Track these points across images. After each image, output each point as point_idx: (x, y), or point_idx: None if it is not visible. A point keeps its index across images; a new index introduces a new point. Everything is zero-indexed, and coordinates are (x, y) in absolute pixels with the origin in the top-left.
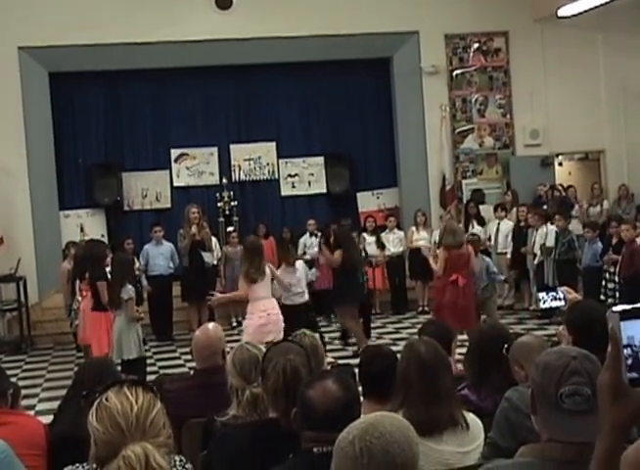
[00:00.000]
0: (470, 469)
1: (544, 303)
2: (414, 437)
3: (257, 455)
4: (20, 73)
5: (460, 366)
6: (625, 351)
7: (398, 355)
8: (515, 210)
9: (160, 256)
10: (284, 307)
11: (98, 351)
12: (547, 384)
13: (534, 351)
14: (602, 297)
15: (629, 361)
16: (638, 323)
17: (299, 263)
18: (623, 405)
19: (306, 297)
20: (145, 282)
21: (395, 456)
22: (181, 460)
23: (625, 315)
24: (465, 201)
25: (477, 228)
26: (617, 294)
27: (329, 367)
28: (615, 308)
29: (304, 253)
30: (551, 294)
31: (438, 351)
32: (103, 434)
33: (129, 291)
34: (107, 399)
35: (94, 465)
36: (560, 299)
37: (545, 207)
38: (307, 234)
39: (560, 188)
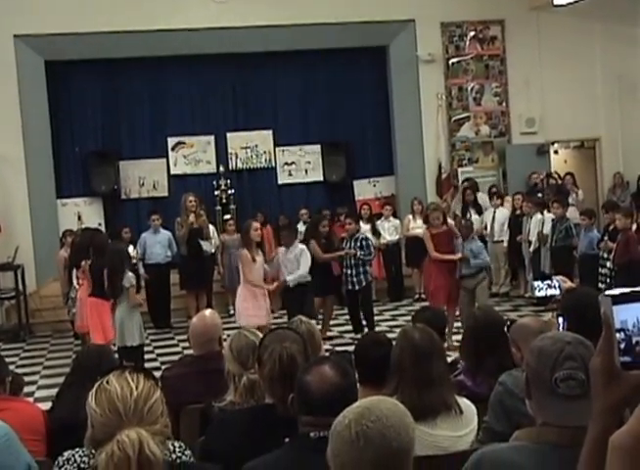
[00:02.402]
0: (464, 453)
1: (539, 291)
2: (410, 422)
3: (255, 440)
4: (16, 62)
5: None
6: (618, 335)
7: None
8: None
9: (157, 244)
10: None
11: (97, 338)
12: (542, 369)
13: (532, 333)
14: (600, 285)
15: (622, 345)
16: (631, 307)
17: (298, 245)
18: (616, 388)
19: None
20: (142, 270)
21: (392, 440)
22: (180, 446)
23: (618, 299)
24: (460, 189)
25: (474, 217)
26: (610, 279)
27: (326, 354)
28: (607, 293)
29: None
30: (546, 282)
31: (433, 337)
32: (100, 416)
33: (130, 279)
34: (107, 383)
35: (90, 447)
36: (555, 287)
37: (540, 195)
38: (301, 222)
39: (555, 176)
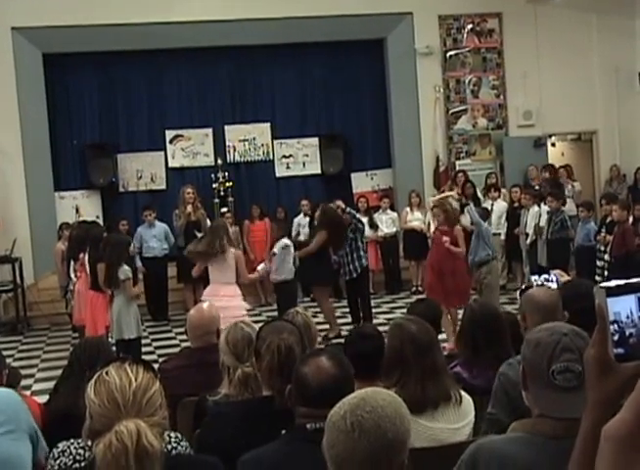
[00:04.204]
0: (461, 445)
1: (537, 285)
2: (406, 413)
3: (253, 433)
4: (13, 55)
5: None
6: (612, 327)
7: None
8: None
9: (152, 238)
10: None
11: (93, 331)
12: (539, 361)
13: (542, 311)
14: (597, 277)
15: (616, 337)
16: (624, 299)
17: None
18: (610, 380)
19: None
20: (139, 263)
21: (387, 431)
22: (176, 437)
23: (612, 291)
24: (456, 183)
25: None
26: (607, 272)
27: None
28: (601, 284)
29: (298, 233)
30: (543, 277)
31: (429, 329)
32: (98, 407)
33: (126, 271)
34: (106, 374)
35: (88, 438)
36: (552, 281)
37: (537, 187)
38: (302, 214)
39: (550, 169)
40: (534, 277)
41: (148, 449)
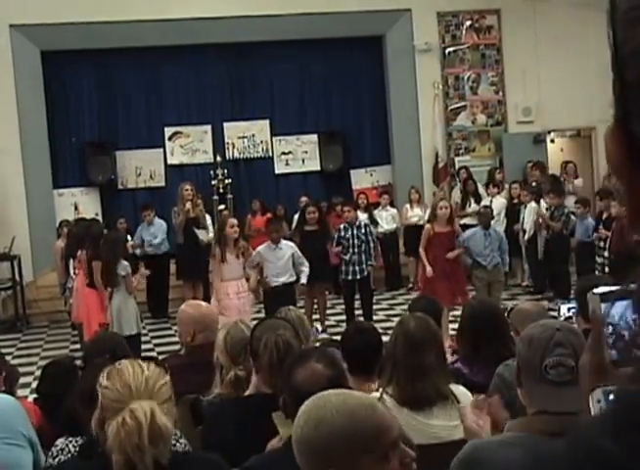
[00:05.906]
0: (460, 442)
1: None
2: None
3: (253, 430)
4: (12, 52)
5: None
6: (606, 329)
7: (381, 331)
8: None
9: (152, 235)
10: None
11: (88, 328)
12: (532, 356)
13: (531, 318)
14: (597, 273)
15: (610, 340)
16: (618, 304)
17: (285, 243)
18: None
19: (291, 278)
20: (139, 251)
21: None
22: (175, 435)
23: (606, 298)
24: (459, 179)
25: (473, 206)
26: (607, 269)
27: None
28: (595, 291)
29: None
30: (572, 310)
31: (429, 326)
32: (111, 392)
33: (126, 267)
34: (119, 364)
35: (97, 429)
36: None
37: (535, 183)
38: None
39: (540, 166)
40: (564, 307)
41: (162, 429)
